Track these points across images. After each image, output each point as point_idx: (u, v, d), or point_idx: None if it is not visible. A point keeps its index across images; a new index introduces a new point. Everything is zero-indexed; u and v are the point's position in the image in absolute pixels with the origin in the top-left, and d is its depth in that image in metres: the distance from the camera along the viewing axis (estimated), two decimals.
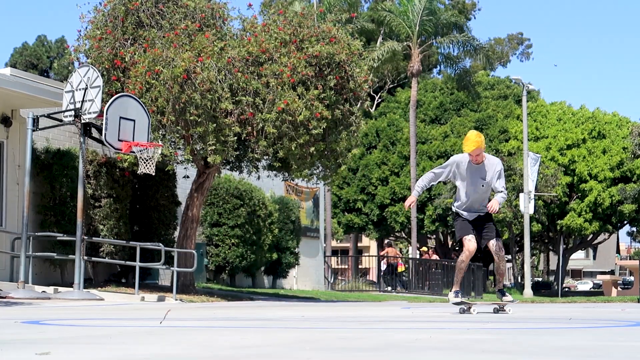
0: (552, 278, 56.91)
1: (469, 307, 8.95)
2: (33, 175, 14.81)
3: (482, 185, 9.00)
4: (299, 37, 15.71)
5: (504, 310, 9.30)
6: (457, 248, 44.39)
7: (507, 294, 9.47)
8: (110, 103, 13.89)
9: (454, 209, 9.31)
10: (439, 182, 9.54)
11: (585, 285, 70.24)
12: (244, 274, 23.10)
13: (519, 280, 40.30)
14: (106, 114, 13.75)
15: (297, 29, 15.77)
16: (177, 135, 15.46)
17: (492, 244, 9.05)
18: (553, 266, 57.52)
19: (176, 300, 14.58)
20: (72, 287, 14.13)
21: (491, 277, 52.09)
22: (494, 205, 8.84)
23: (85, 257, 14.41)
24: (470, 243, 8.98)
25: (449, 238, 44.95)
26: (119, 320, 7.10)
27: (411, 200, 9.19)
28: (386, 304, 16.90)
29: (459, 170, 9.04)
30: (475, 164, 8.95)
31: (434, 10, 35.80)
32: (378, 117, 44.48)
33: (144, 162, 14.25)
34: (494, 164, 9.13)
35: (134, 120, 14.07)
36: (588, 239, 43.18)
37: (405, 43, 36.04)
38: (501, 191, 9.06)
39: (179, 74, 14.62)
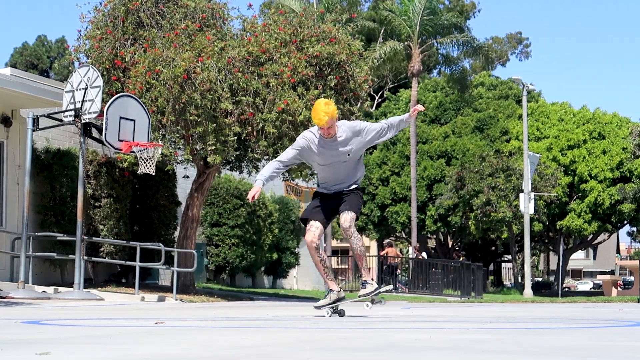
0: (552, 278, 56.91)
1: (336, 308, 7.60)
2: (33, 175, 14.81)
3: (345, 161, 7.45)
4: (299, 37, 15.71)
5: (379, 302, 7.90)
6: (457, 248, 44.41)
7: (368, 284, 7.71)
8: (111, 103, 13.89)
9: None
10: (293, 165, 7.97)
11: (586, 285, 70.24)
12: (244, 274, 23.12)
13: (519, 280, 40.26)
14: (106, 114, 13.76)
15: (297, 29, 15.78)
16: (177, 135, 15.47)
17: (342, 218, 7.41)
18: (553, 266, 57.53)
19: (176, 300, 14.58)
20: (72, 287, 14.13)
21: (491, 277, 52.14)
22: (415, 109, 7.34)
23: (85, 257, 14.41)
24: (307, 234, 7.46)
25: (449, 238, 44.95)
26: (119, 320, 7.10)
27: (255, 191, 7.40)
28: (386, 304, 16.88)
29: (311, 151, 7.47)
30: (328, 137, 7.36)
31: (434, 10, 35.80)
32: (379, 117, 44.48)
33: (144, 162, 14.25)
34: (352, 127, 7.49)
35: (134, 120, 14.08)
36: (588, 239, 43.17)
37: (405, 43, 36.04)
38: (383, 126, 7.53)
39: (179, 74, 14.62)
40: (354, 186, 7.61)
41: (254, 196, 7.42)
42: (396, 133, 7.63)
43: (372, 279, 7.72)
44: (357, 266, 8.07)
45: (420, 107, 7.36)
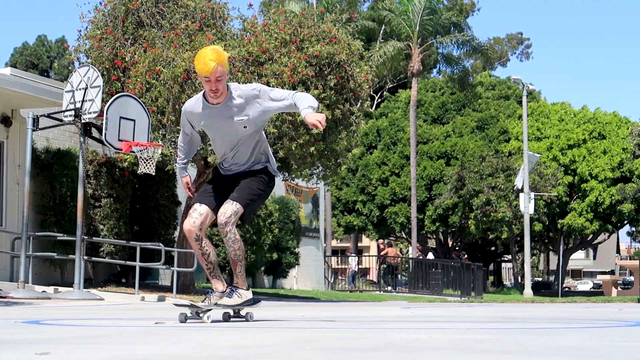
0: (552, 278, 56.91)
1: (198, 312, 6.06)
2: (33, 175, 14.81)
3: (242, 135, 5.89)
4: (299, 37, 15.71)
5: (241, 317, 6.29)
6: (457, 248, 44.41)
7: (235, 294, 6.10)
8: (111, 103, 13.89)
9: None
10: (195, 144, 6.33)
11: (586, 285, 70.25)
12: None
13: (519, 280, 40.26)
14: (106, 113, 13.76)
15: (297, 29, 15.78)
16: (177, 135, 15.47)
17: (221, 209, 5.89)
18: (553, 266, 57.51)
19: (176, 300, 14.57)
20: (72, 287, 14.13)
21: (491, 277, 52.13)
22: (312, 118, 5.66)
23: (85, 257, 14.41)
24: (187, 219, 6.00)
25: (449, 238, 44.95)
26: (119, 320, 7.10)
27: (185, 181, 6.25)
28: (386, 304, 16.91)
29: (194, 118, 5.98)
30: (216, 102, 5.83)
31: (434, 9, 35.80)
32: (379, 117, 44.48)
33: (144, 162, 14.25)
34: (246, 92, 5.87)
35: (134, 120, 14.08)
36: (588, 239, 43.17)
37: (405, 43, 36.04)
38: (288, 99, 5.88)
39: (179, 73, 14.63)
40: (258, 166, 6.05)
41: (189, 188, 6.25)
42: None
43: (248, 288, 6.19)
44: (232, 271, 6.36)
45: (318, 125, 5.65)
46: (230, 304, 6.07)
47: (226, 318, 6.13)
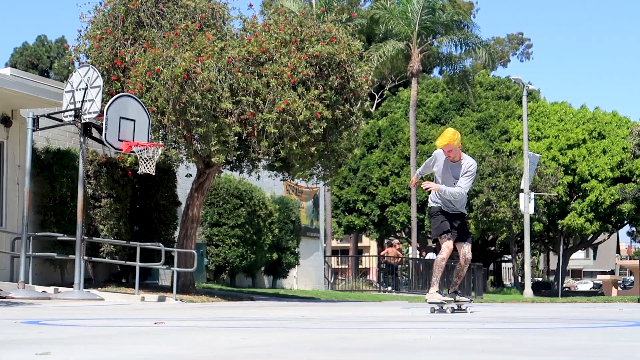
0: (552, 278, 56.92)
1: (442, 306, 9.12)
2: (33, 175, 14.81)
3: (454, 184, 9.02)
4: (300, 37, 15.70)
5: (463, 310, 9.45)
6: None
7: (460, 294, 9.67)
8: (111, 103, 13.88)
9: (431, 203, 9.34)
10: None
11: (586, 285, 70.25)
12: (244, 274, 23.11)
13: (519, 280, 40.27)
14: (106, 114, 13.75)
15: (297, 29, 15.77)
16: (178, 135, 15.47)
17: (464, 247, 9.23)
18: (553, 266, 57.51)
19: (176, 300, 14.58)
20: (72, 287, 14.13)
21: (491, 277, 52.12)
22: (432, 184, 9.04)
23: (85, 257, 14.40)
24: (450, 242, 9.08)
25: None
26: (119, 320, 7.10)
27: (415, 181, 9.81)
28: (386, 304, 16.90)
29: (436, 163, 9.19)
30: (452, 161, 9.08)
31: (433, 9, 35.79)
32: (380, 117, 44.49)
33: (144, 162, 14.25)
34: (468, 165, 9.14)
35: (134, 120, 14.07)
36: (588, 238, 43.19)
37: (405, 42, 36.03)
38: (459, 186, 9.06)
39: (179, 74, 14.62)
40: (461, 208, 9.24)
41: (415, 183, 9.91)
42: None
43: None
44: (453, 281, 9.73)
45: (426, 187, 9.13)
46: (464, 300, 9.61)
47: (452, 311, 9.22)
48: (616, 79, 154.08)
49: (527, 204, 30.89)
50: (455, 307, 9.37)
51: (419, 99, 40.59)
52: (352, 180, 41.91)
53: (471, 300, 9.69)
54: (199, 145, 15.74)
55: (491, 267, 53.66)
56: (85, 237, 14.37)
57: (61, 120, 14.66)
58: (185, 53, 14.89)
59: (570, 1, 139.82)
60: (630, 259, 79.28)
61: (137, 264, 15.08)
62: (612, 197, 37.55)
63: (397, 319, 7.52)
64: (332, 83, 15.54)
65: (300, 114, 14.96)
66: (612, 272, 60.28)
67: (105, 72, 15.26)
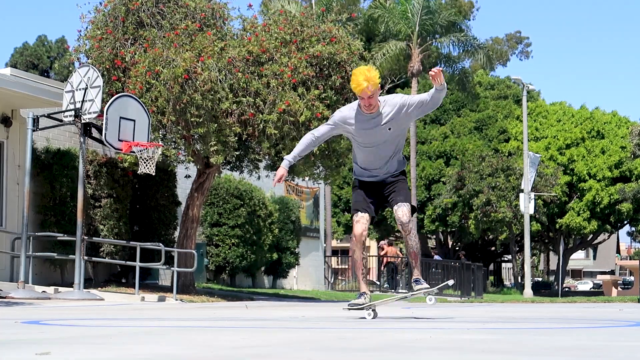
0: (552, 278, 56.92)
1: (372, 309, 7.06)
2: (33, 175, 14.80)
3: (386, 140, 6.87)
4: (300, 37, 15.70)
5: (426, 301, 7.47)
6: (457, 248, 44.40)
7: (422, 281, 7.22)
8: (111, 103, 13.89)
9: (353, 175, 7.29)
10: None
11: (586, 285, 70.25)
12: (244, 274, 23.12)
13: (519, 280, 40.26)
14: (106, 114, 13.75)
15: (297, 29, 15.77)
16: (178, 135, 15.47)
17: (399, 210, 6.86)
18: (553, 266, 57.51)
19: (176, 300, 14.58)
20: (72, 287, 14.13)
21: (491, 277, 52.13)
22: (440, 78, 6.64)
23: (86, 257, 14.40)
24: (357, 225, 6.92)
25: (449, 238, 44.94)
26: (119, 320, 7.10)
27: (279, 175, 7.04)
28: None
29: (343, 129, 6.98)
30: (369, 112, 6.79)
31: (433, 9, 35.79)
32: None
33: (144, 162, 14.25)
34: (395, 103, 6.85)
35: (134, 120, 14.07)
36: (588, 239, 43.19)
37: (405, 42, 36.03)
38: (425, 101, 6.90)
39: (180, 74, 14.62)
40: (399, 172, 7.08)
41: (279, 179, 7.03)
42: (436, 106, 7.05)
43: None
44: (409, 265, 7.44)
45: (434, 71, 6.67)
46: (424, 288, 7.11)
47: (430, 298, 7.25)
48: (616, 79, 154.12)
49: (527, 204, 30.88)
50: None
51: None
52: (352, 180, 41.91)
53: (437, 292, 7.45)
54: (198, 146, 15.75)
55: (491, 267, 53.66)
56: (85, 237, 14.37)
57: (61, 120, 14.66)
58: (186, 53, 14.90)
59: (570, 1, 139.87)
60: (630, 259, 79.29)
61: (137, 264, 15.08)
62: (611, 197, 37.55)
63: (397, 319, 7.52)
64: (332, 83, 15.53)
65: (301, 114, 14.96)
66: (612, 272, 60.27)
67: (105, 72, 15.27)
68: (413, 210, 6.96)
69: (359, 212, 6.94)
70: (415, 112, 6.94)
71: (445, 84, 6.82)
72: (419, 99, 6.88)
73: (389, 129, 6.77)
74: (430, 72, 6.69)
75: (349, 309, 7.06)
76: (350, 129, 6.87)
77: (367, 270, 7.78)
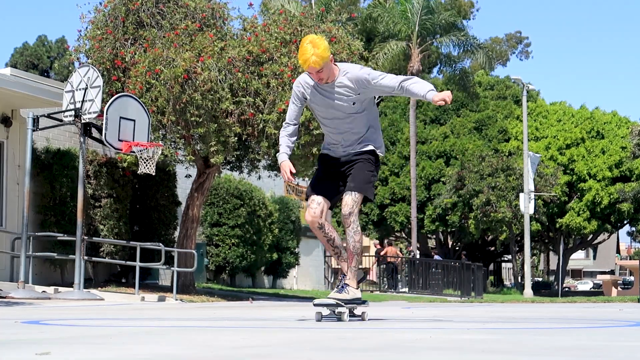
0: (552, 278, 56.92)
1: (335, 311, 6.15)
2: (33, 175, 14.81)
3: (351, 114, 6.07)
4: (300, 37, 15.70)
5: (356, 316, 6.33)
6: (457, 248, 44.40)
7: (344, 290, 6.10)
8: (111, 103, 13.89)
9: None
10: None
11: (586, 285, 70.27)
12: (244, 274, 23.13)
13: (519, 280, 40.26)
14: (106, 114, 13.76)
15: (297, 29, 15.77)
16: (178, 135, 15.47)
17: (343, 199, 6.10)
18: (553, 266, 57.52)
19: (176, 300, 14.58)
20: (72, 287, 14.13)
21: (491, 277, 52.13)
22: (438, 97, 5.94)
23: (86, 257, 14.41)
24: (308, 211, 6.17)
25: (449, 238, 44.94)
26: (119, 320, 7.10)
27: (287, 169, 6.17)
28: (386, 304, 16.90)
29: (307, 100, 6.19)
30: (326, 82, 6.00)
31: (432, 9, 35.79)
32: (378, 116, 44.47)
33: (144, 162, 14.25)
34: (358, 77, 6.00)
35: (134, 120, 14.08)
36: (588, 238, 43.19)
37: (404, 42, 36.04)
38: (396, 89, 6.02)
39: (180, 74, 14.63)
40: (367, 147, 6.19)
41: (291, 173, 6.16)
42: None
43: (357, 287, 6.22)
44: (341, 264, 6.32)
45: (448, 100, 5.98)
46: (340, 297, 6.09)
47: (342, 317, 6.04)
48: (616, 79, 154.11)
49: (527, 204, 30.88)
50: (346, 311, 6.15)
51: (418, 99, 40.54)
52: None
53: (364, 302, 6.35)
54: (198, 146, 15.75)
55: (491, 267, 53.66)
56: (85, 237, 14.37)
57: (61, 120, 14.66)
58: (186, 53, 14.90)
59: (570, 1, 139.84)
60: (630, 259, 79.29)
61: (137, 264, 15.08)
62: (611, 197, 37.55)
63: (397, 319, 7.52)
64: None
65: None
66: (612, 272, 60.29)
67: (105, 72, 15.27)
68: (366, 200, 6.12)
69: (311, 195, 6.22)
70: (378, 92, 6.20)
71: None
72: (387, 84, 5.99)
73: (353, 103, 6.03)
74: (446, 99, 5.99)
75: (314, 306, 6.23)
76: (308, 95, 6.14)
77: (341, 248, 6.00)
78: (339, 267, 6.30)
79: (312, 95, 6.11)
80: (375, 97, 6.35)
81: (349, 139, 6.18)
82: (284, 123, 6.39)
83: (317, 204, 6.16)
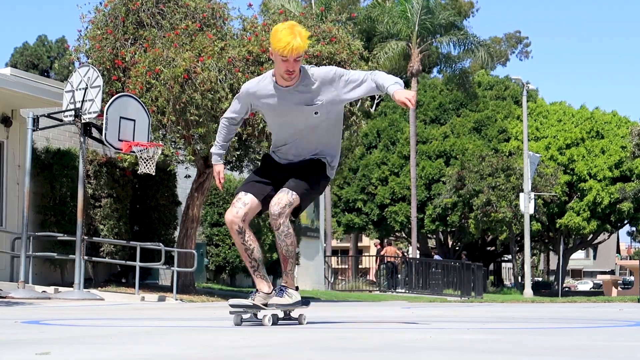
0: (552, 278, 56.90)
1: (257, 314, 5.47)
2: (33, 175, 14.81)
3: (312, 125, 5.33)
4: None
5: (293, 319, 5.68)
6: (457, 248, 44.40)
7: (285, 293, 5.48)
8: (111, 103, 13.89)
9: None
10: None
11: (586, 285, 70.27)
12: (244, 274, 23.12)
13: (519, 280, 40.26)
14: (106, 113, 13.76)
15: None
16: (178, 135, 15.47)
17: (274, 199, 5.27)
18: (553, 266, 57.50)
19: (176, 300, 14.58)
20: (72, 287, 14.13)
21: (491, 277, 52.12)
22: (402, 96, 5.05)
23: (86, 257, 14.41)
24: (230, 209, 5.36)
25: (449, 238, 44.94)
26: (118, 320, 7.10)
27: (218, 170, 5.60)
28: (386, 304, 16.90)
29: (258, 101, 5.40)
30: (285, 85, 5.25)
31: (432, 9, 35.80)
32: (378, 116, 44.50)
33: (144, 162, 14.25)
34: (322, 76, 5.27)
35: (134, 120, 14.08)
36: (588, 238, 43.20)
37: (404, 42, 36.04)
38: (366, 82, 5.27)
39: (180, 73, 14.63)
40: (320, 157, 5.44)
41: (222, 177, 5.60)
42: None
43: (297, 289, 5.58)
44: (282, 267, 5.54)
45: (410, 103, 5.05)
46: (281, 303, 5.42)
47: (274, 320, 5.42)
48: (616, 79, 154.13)
49: (527, 204, 30.89)
50: (281, 315, 5.56)
51: (418, 99, 40.57)
52: (352, 180, 41.94)
53: (306, 303, 5.70)
54: (198, 146, 15.75)
55: (491, 267, 53.65)
56: (85, 237, 14.37)
57: (61, 120, 14.66)
58: (186, 53, 14.90)
59: (570, 1, 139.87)
60: (630, 259, 79.28)
61: (137, 263, 15.09)
62: (611, 197, 37.56)
63: (397, 319, 7.52)
64: None
65: None
66: (612, 272, 60.27)
67: (105, 72, 15.28)
68: (296, 211, 5.31)
69: (240, 193, 5.42)
70: (348, 94, 5.34)
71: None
72: (357, 77, 5.27)
73: (315, 112, 5.27)
74: (408, 103, 5.07)
75: (231, 311, 5.55)
76: (258, 103, 5.39)
77: (259, 262, 5.43)
78: (287, 275, 5.52)
79: (265, 100, 5.35)
80: (347, 107, 5.54)
81: (301, 152, 5.43)
82: (228, 113, 5.66)
83: (244, 204, 5.35)
